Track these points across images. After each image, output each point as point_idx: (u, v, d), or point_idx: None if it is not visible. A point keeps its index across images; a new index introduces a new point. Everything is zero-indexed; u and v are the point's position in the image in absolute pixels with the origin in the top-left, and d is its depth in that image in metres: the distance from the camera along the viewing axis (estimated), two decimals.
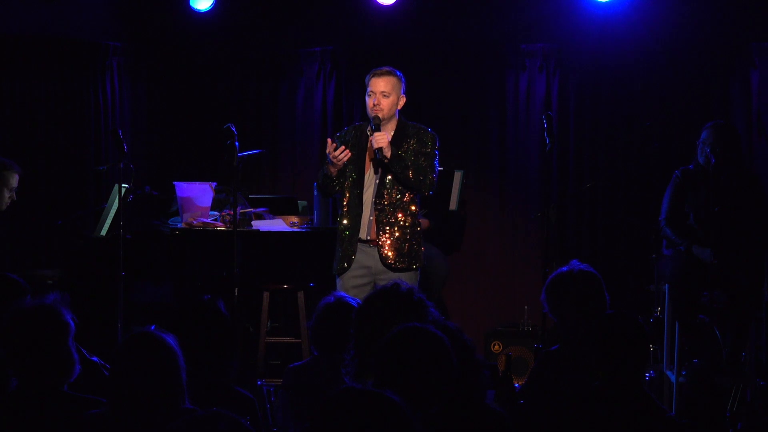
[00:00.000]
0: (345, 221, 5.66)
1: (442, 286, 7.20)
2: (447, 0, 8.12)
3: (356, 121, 8.17)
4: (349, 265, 5.64)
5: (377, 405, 2.47)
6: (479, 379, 3.34)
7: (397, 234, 5.60)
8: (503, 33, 8.07)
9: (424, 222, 7.16)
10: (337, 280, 5.69)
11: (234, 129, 5.91)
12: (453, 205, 7.29)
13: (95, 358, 4.21)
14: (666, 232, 6.28)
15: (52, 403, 3.47)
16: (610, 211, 7.90)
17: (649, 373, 6.01)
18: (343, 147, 5.53)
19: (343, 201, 5.69)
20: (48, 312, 3.54)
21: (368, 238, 5.63)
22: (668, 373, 6.07)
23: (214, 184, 6.68)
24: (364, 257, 5.64)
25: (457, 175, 7.24)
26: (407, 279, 5.58)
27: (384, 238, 5.59)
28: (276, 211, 6.84)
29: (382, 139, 5.50)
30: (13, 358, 3.51)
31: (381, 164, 5.57)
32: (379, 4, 7.92)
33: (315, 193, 6.60)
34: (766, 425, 5.57)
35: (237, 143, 5.90)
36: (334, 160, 5.51)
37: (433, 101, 8.09)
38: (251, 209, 6.72)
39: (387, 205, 5.60)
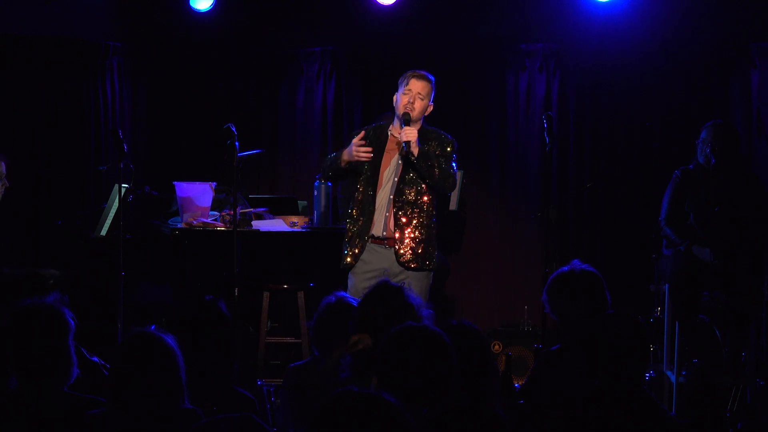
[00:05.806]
0: (355, 218, 5.63)
1: (442, 286, 7.20)
2: (447, 0, 8.11)
3: (356, 120, 8.18)
4: (355, 261, 5.61)
5: (374, 407, 2.47)
6: (489, 380, 3.35)
7: (414, 234, 5.57)
8: (503, 33, 8.07)
9: None
10: (350, 279, 5.65)
11: (234, 129, 5.90)
12: (453, 205, 7.28)
13: (95, 358, 4.21)
14: (666, 232, 6.27)
15: (52, 403, 3.47)
16: (610, 211, 7.90)
17: (649, 373, 6.01)
18: (369, 147, 5.51)
19: (357, 196, 5.67)
20: (48, 312, 3.54)
21: (384, 234, 5.59)
22: (668, 373, 6.06)
23: (214, 184, 6.67)
24: (379, 258, 5.59)
25: (457, 175, 7.22)
26: (421, 279, 5.58)
27: (400, 237, 5.55)
28: (276, 211, 6.83)
29: (411, 133, 5.47)
30: (13, 358, 3.51)
31: (406, 160, 5.53)
32: (379, 4, 7.92)
33: (315, 193, 6.59)
34: (766, 425, 5.56)
35: (237, 143, 5.90)
36: (354, 153, 5.51)
37: (433, 101, 8.08)
38: (251, 209, 6.72)
39: (406, 203, 5.57)
